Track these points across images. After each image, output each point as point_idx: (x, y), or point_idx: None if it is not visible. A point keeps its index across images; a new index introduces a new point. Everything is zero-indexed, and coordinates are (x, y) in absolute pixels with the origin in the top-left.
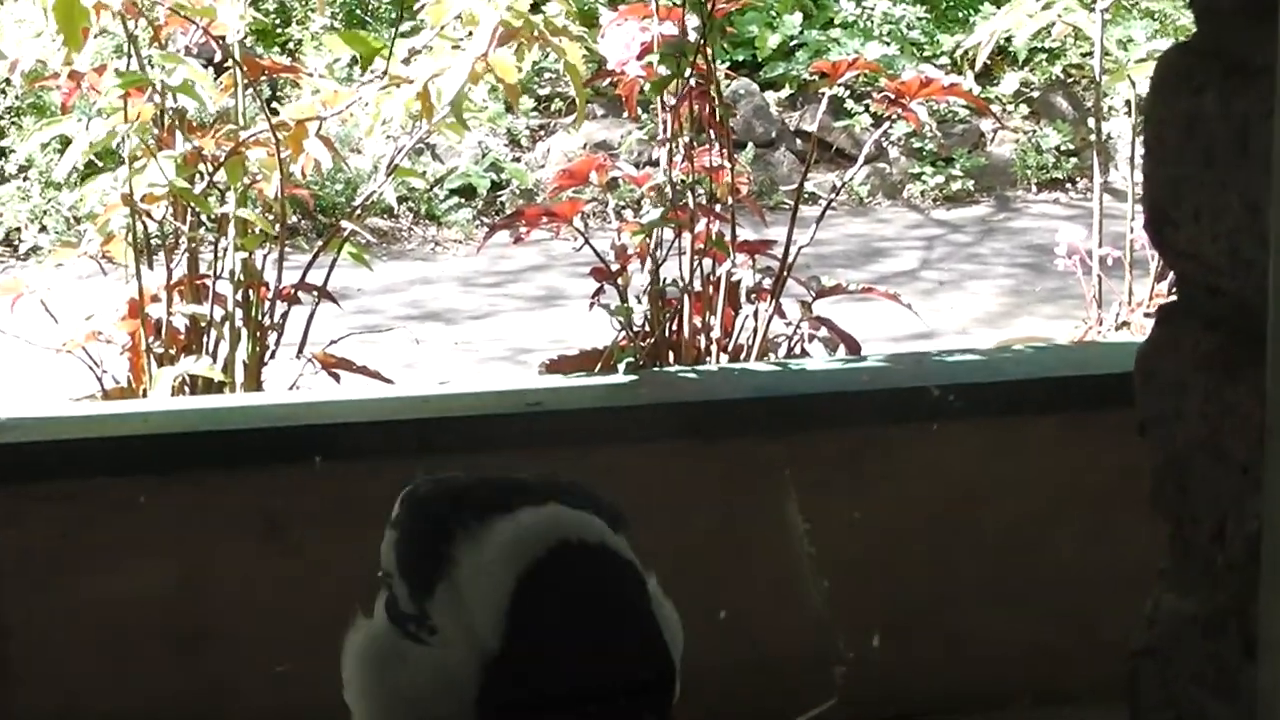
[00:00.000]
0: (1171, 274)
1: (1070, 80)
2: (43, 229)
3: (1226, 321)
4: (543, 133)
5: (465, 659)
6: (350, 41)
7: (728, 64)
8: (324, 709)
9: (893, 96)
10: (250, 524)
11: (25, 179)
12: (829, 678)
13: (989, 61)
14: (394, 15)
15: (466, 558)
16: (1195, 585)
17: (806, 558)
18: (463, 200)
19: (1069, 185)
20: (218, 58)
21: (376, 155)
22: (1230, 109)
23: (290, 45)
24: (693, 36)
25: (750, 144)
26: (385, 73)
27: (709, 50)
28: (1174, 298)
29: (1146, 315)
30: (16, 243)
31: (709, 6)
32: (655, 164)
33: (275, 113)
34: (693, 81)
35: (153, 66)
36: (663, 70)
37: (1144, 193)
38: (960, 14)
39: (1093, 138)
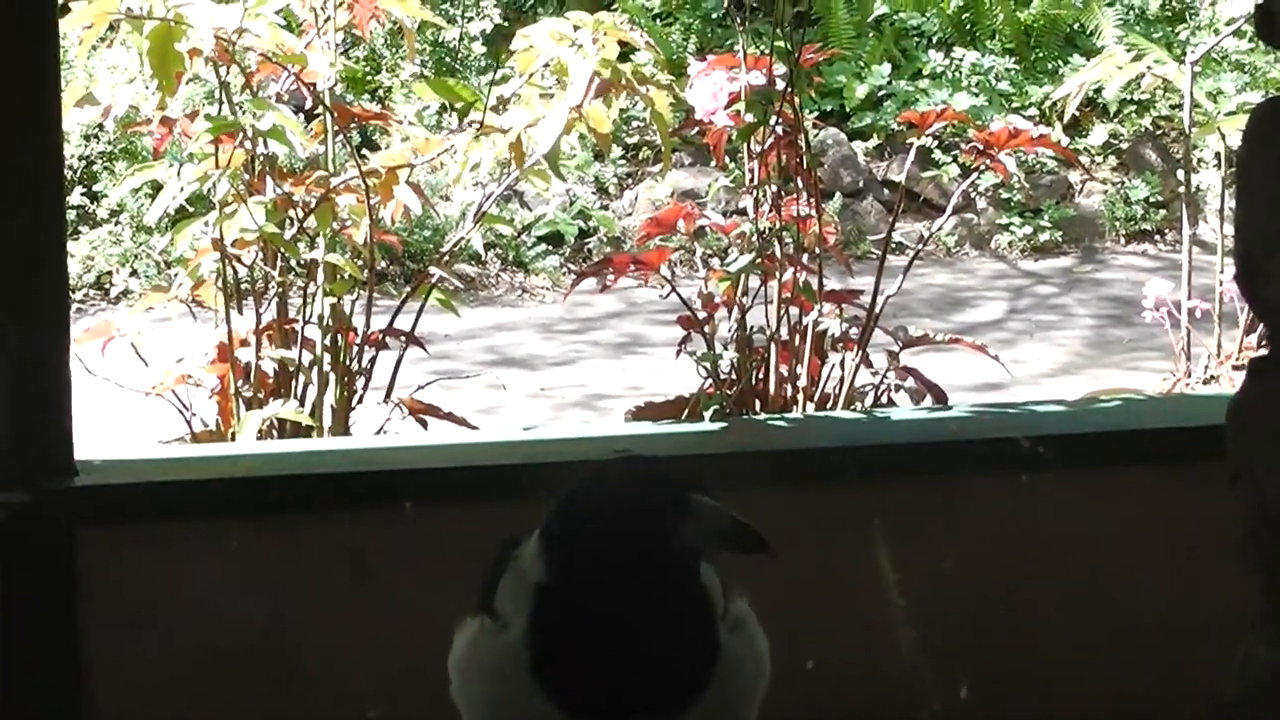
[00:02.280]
0: (1262, 326)
1: (1159, 132)
2: (134, 273)
3: None
4: (630, 181)
5: (520, 636)
6: (439, 89)
7: (816, 113)
8: None
9: (981, 147)
10: (338, 567)
11: (117, 223)
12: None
13: (1078, 113)
14: (482, 63)
15: (526, 543)
16: None
17: (896, 607)
18: (550, 247)
19: (1157, 237)
20: (309, 104)
21: (465, 202)
22: None
23: (380, 93)
24: (780, 85)
25: (838, 193)
26: (476, 122)
27: (796, 99)
28: (1265, 351)
29: (1235, 368)
30: (108, 286)
31: (796, 56)
32: (742, 212)
33: (365, 159)
34: (779, 130)
35: (244, 112)
36: (749, 118)
37: (1235, 244)
38: (1049, 65)
39: (1182, 190)
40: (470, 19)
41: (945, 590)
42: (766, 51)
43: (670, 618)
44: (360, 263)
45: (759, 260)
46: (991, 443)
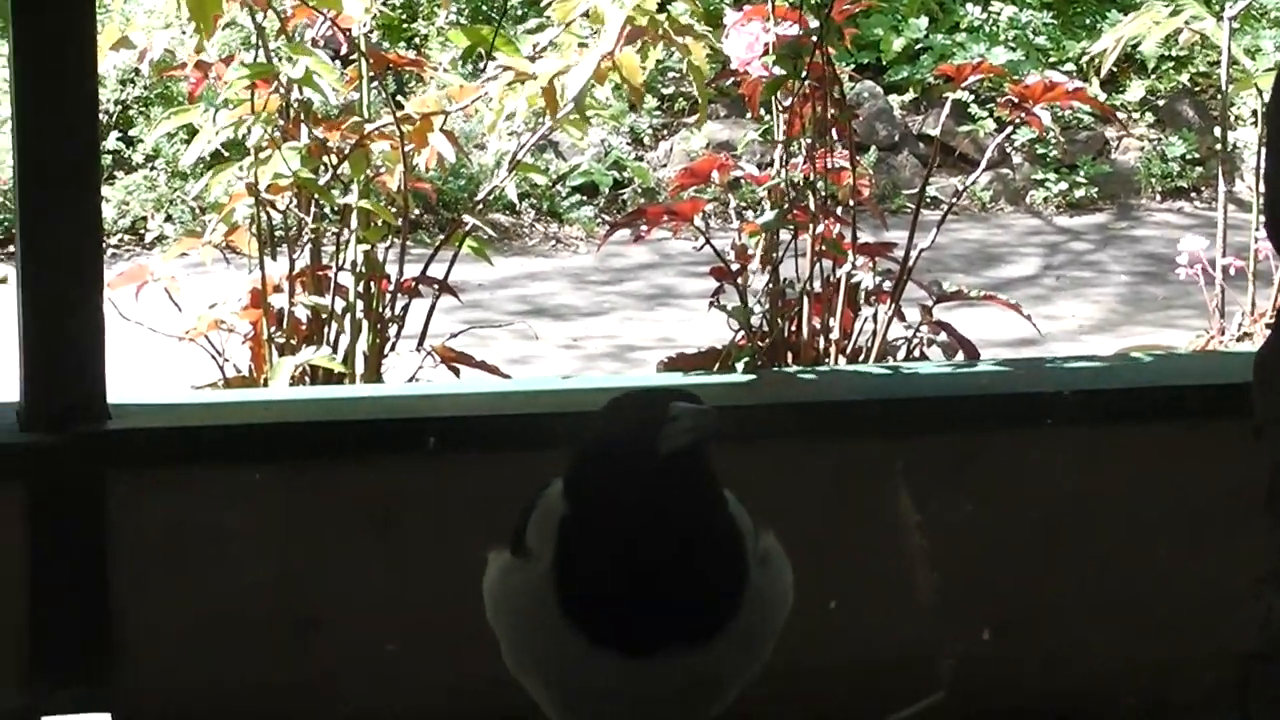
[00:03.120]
0: None
1: (1197, 89)
2: (169, 219)
3: None
4: (665, 132)
5: (546, 569)
6: (473, 37)
7: (852, 67)
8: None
9: (1016, 100)
10: (369, 514)
11: (152, 169)
12: (938, 672)
13: (1115, 69)
14: (520, 12)
15: (555, 483)
16: None
17: (918, 551)
18: (585, 198)
19: (1193, 195)
20: (344, 50)
21: (500, 151)
22: None
23: (416, 40)
24: (814, 39)
25: (873, 147)
26: (507, 69)
27: (828, 51)
28: None
29: (1269, 326)
30: (143, 231)
31: (828, 8)
32: (776, 164)
33: (400, 106)
34: (811, 83)
35: (279, 58)
36: (779, 71)
37: (1265, 197)
38: (1087, 20)
39: (1218, 147)
40: None
41: (968, 542)
42: (797, 3)
43: (693, 546)
44: (394, 209)
45: (790, 213)
46: (1020, 397)
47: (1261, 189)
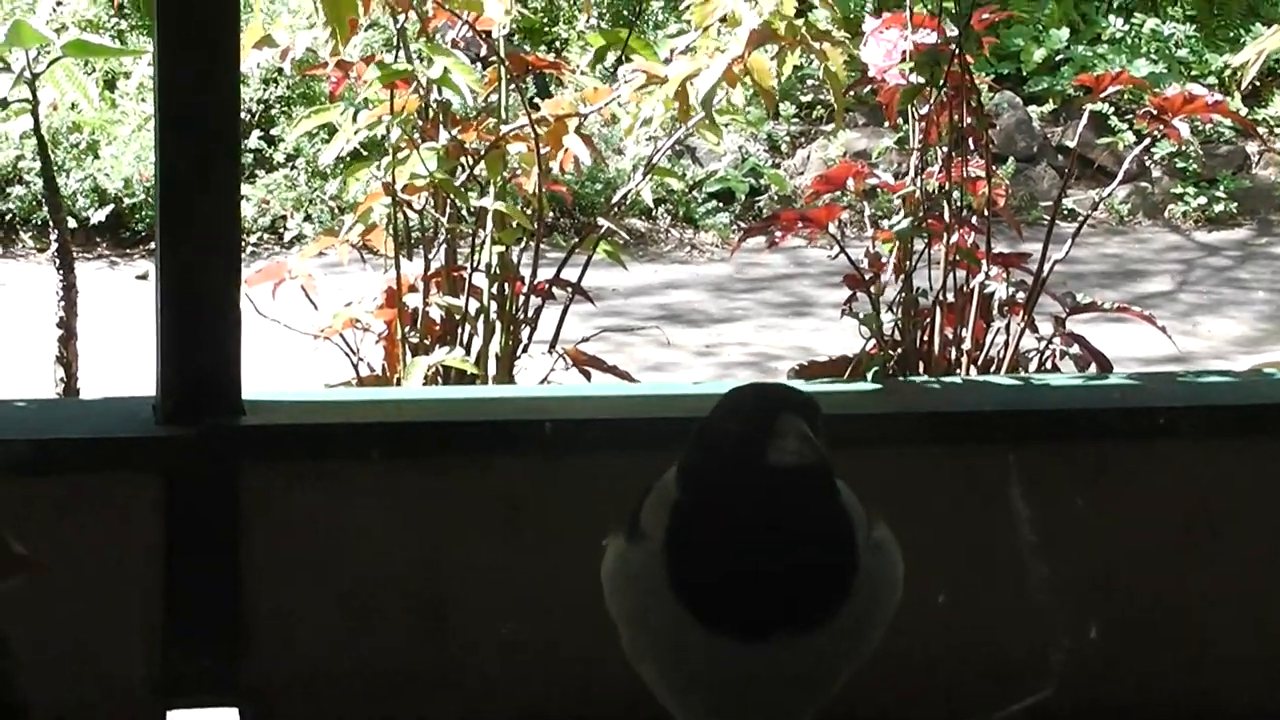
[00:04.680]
0: None
1: None
2: (307, 218)
3: None
4: (803, 139)
5: (658, 550)
6: (611, 39)
7: (992, 76)
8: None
9: (1155, 112)
10: (497, 514)
11: (292, 168)
12: (1052, 669)
13: (1258, 83)
14: (660, 17)
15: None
16: None
17: (1042, 557)
18: (720, 204)
19: None
20: (483, 52)
21: (637, 155)
22: None
23: (556, 44)
24: (951, 47)
25: (1011, 158)
26: (639, 71)
27: (966, 60)
28: None
29: None
30: (282, 230)
31: (966, 17)
32: (912, 173)
33: (537, 108)
34: (948, 92)
35: (419, 58)
36: (917, 79)
37: None
38: (1231, 34)
39: None
40: None
41: (1096, 556)
42: (936, 11)
43: (803, 532)
44: (529, 212)
45: (923, 221)
46: (1150, 411)
47: None
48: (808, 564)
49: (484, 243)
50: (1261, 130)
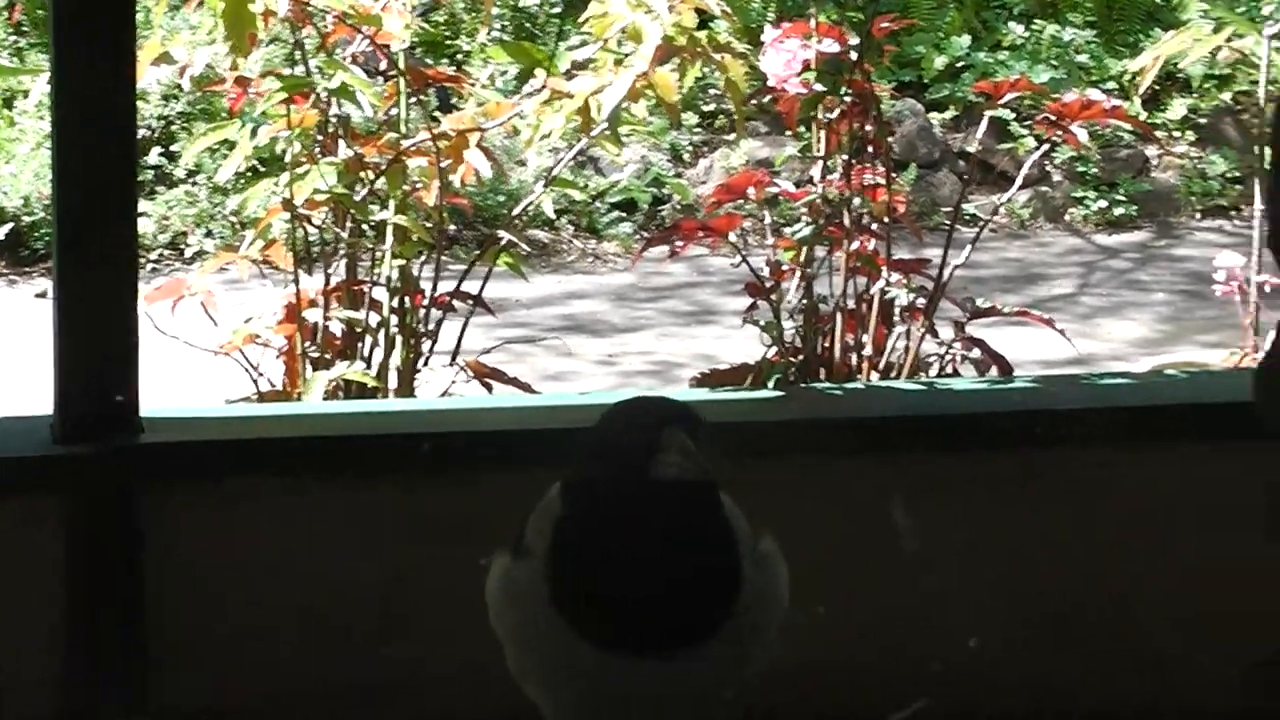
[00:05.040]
0: None
1: (1239, 107)
2: (208, 234)
3: None
4: (706, 148)
5: (540, 566)
6: (512, 53)
7: (894, 84)
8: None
9: (1054, 118)
10: (400, 527)
11: (193, 184)
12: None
13: (1158, 87)
14: (563, 28)
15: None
16: None
17: (944, 564)
18: (624, 214)
19: (1234, 213)
20: (384, 66)
21: (539, 167)
22: None
23: (459, 57)
24: (852, 55)
25: (913, 164)
26: (543, 86)
27: (867, 69)
28: None
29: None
30: (183, 247)
31: (868, 26)
32: (814, 181)
33: (438, 122)
34: (850, 100)
35: (320, 74)
36: (819, 88)
37: (1266, 209)
38: (1130, 39)
39: (1258, 165)
40: None
41: (1000, 560)
42: (838, 20)
43: (686, 547)
44: (430, 225)
45: (824, 229)
46: (1051, 414)
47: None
48: (692, 578)
49: (384, 257)
50: (1160, 134)
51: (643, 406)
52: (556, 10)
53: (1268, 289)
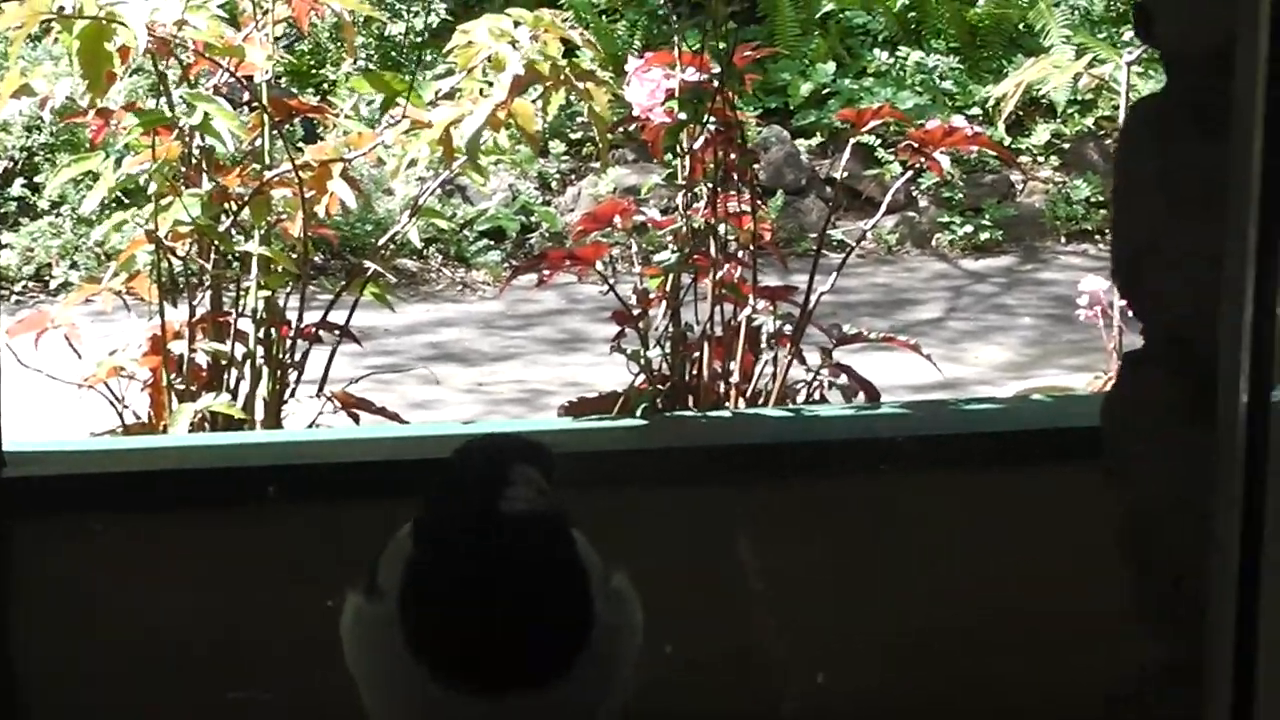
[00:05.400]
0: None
1: (1102, 132)
2: (73, 265)
3: (1191, 370)
4: (573, 176)
5: (393, 607)
6: (373, 83)
7: (760, 111)
8: None
9: (916, 146)
10: (269, 559)
11: (57, 215)
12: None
13: (1021, 112)
14: (428, 58)
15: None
16: (1163, 632)
17: (813, 591)
18: (492, 242)
19: (1098, 237)
20: (247, 97)
21: (406, 196)
22: (1197, 158)
23: (325, 86)
24: (716, 84)
25: (780, 190)
26: (404, 116)
27: (731, 96)
28: (1141, 347)
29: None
30: (47, 279)
31: (730, 54)
32: (680, 209)
33: (301, 153)
34: (714, 128)
35: (183, 105)
36: (682, 116)
37: (1112, 241)
38: (994, 65)
39: None
40: (416, 13)
41: (867, 585)
42: (699, 49)
43: (537, 586)
44: (295, 256)
45: (689, 257)
46: (919, 440)
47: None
48: (543, 617)
49: (249, 288)
50: (1025, 159)
51: (493, 444)
52: (422, 39)
53: (1130, 313)
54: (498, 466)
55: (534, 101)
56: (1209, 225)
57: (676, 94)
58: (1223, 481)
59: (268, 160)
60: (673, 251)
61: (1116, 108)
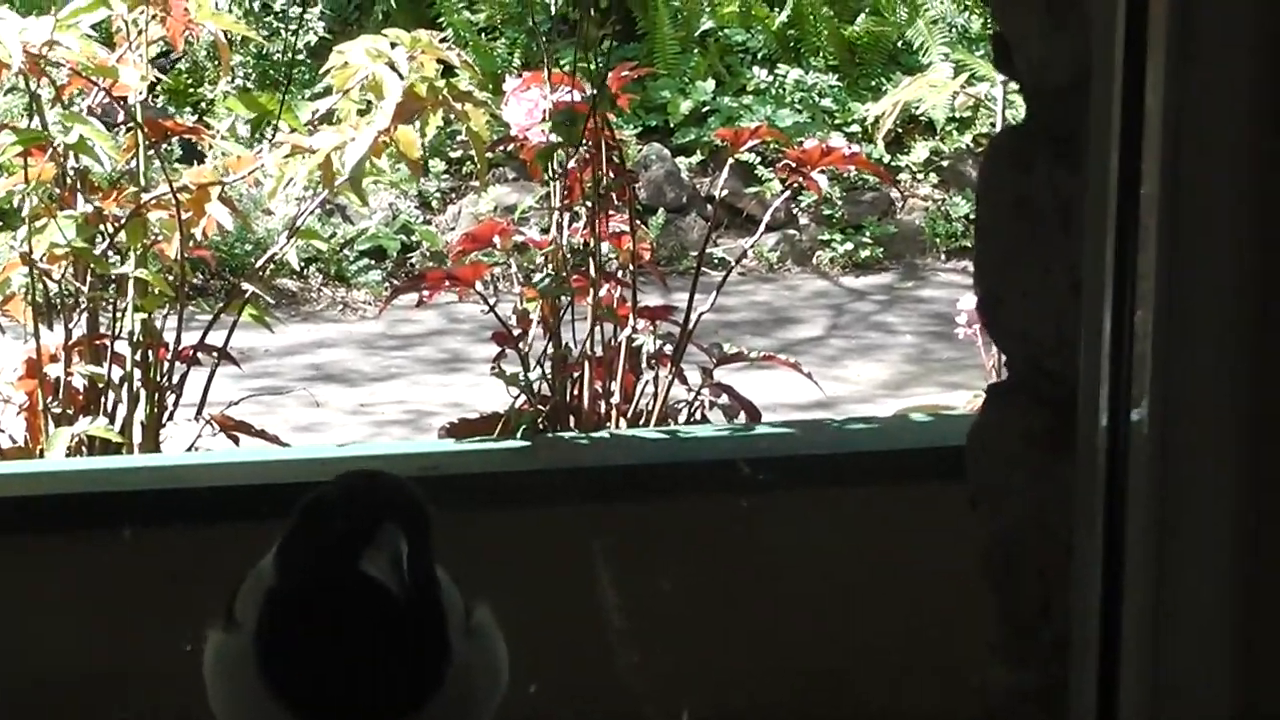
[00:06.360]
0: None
1: (980, 149)
2: None
3: (1053, 400)
4: (454, 195)
5: (250, 639)
6: (247, 104)
7: (640, 129)
8: None
9: (794, 165)
10: (149, 584)
11: None
12: None
13: (900, 129)
14: (307, 76)
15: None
16: (1025, 660)
17: (693, 622)
18: (373, 262)
19: None
20: (123, 118)
21: (286, 216)
22: (1056, 189)
23: (203, 105)
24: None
25: (661, 209)
26: (275, 141)
27: (606, 117)
28: (1005, 375)
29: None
30: None
31: (603, 75)
32: (560, 229)
33: (178, 174)
34: (590, 148)
35: (57, 125)
36: (555, 137)
37: (975, 273)
38: (873, 83)
39: None
40: (294, 31)
41: (748, 606)
42: (574, 69)
43: (394, 621)
44: (172, 278)
45: (569, 278)
46: (798, 459)
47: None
48: (397, 655)
49: (126, 310)
50: (904, 176)
51: (368, 488)
52: (303, 57)
53: (993, 344)
54: (367, 517)
55: (414, 124)
56: (1068, 254)
57: (549, 117)
58: (1083, 505)
59: (144, 182)
60: (549, 273)
61: (994, 125)
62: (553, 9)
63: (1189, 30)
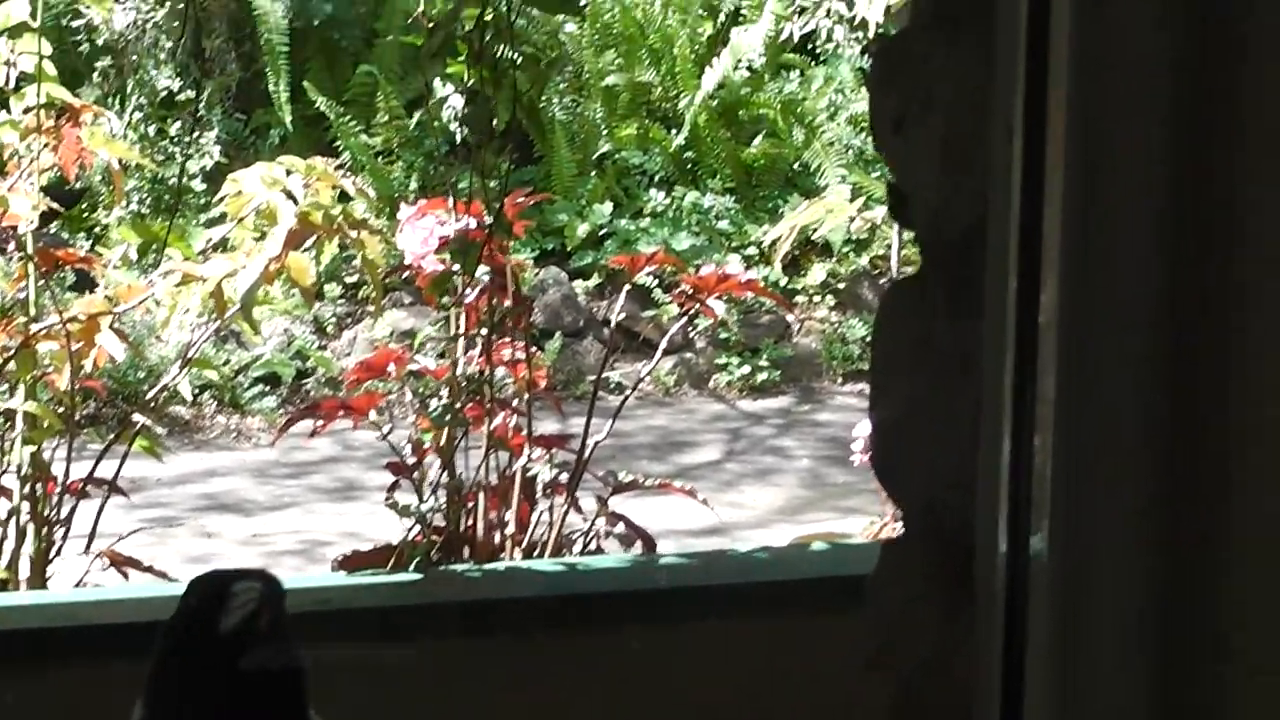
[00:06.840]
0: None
1: (876, 271)
2: None
3: (951, 546)
4: (350, 320)
5: None
6: (139, 231)
7: (537, 253)
8: None
9: (690, 291)
10: None
11: None
12: None
13: (798, 252)
14: (203, 201)
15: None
16: None
17: None
18: (267, 388)
19: None
20: (12, 246)
21: (179, 343)
22: (953, 336)
23: (98, 230)
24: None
25: (558, 332)
26: (167, 270)
27: (501, 244)
28: (900, 527)
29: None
30: None
31: (500, 203)
32: (454, 357)
33: (68, 305)
34: (487, 276)
35: None
36: (448, 265)
37: (871, 421)
38: (770, 205)
39: None
40: (187, 157)
41: None
42: (469, 197)
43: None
44: (62, 410)
45: (462, 408)
46: (694, 590)
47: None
48: None
49: (14, 443)
50: (801, 298)
51: (209, 577)
52: (199, 183)
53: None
54: (217, 585)
55: (307, 249)
56: (968, 392)
57: (447, 246)
58: (982, 634)
59: (34, 311)
60: (442, 402)
61: (890, 247)
62: (454, 135)
63: (1088, 168)
